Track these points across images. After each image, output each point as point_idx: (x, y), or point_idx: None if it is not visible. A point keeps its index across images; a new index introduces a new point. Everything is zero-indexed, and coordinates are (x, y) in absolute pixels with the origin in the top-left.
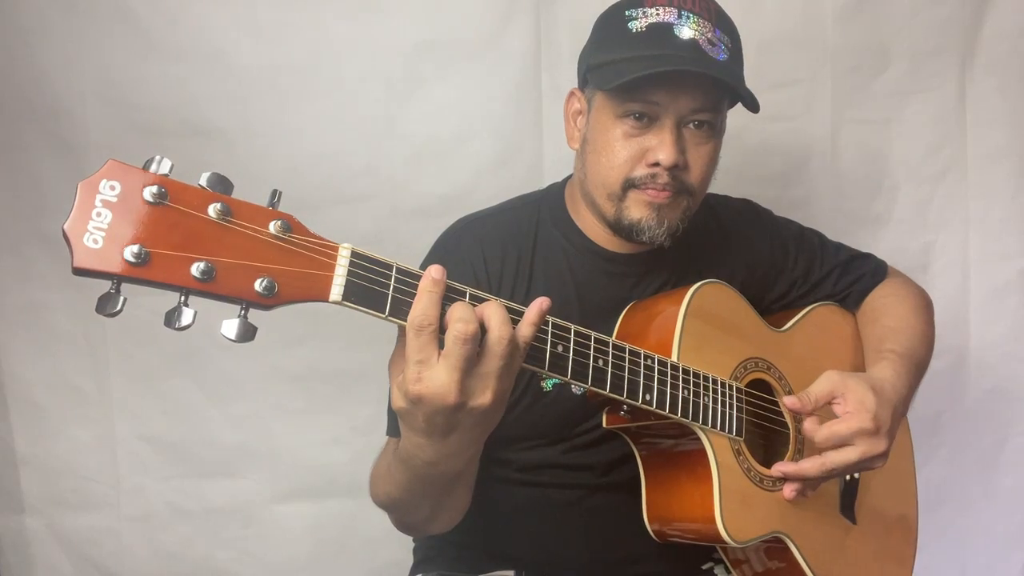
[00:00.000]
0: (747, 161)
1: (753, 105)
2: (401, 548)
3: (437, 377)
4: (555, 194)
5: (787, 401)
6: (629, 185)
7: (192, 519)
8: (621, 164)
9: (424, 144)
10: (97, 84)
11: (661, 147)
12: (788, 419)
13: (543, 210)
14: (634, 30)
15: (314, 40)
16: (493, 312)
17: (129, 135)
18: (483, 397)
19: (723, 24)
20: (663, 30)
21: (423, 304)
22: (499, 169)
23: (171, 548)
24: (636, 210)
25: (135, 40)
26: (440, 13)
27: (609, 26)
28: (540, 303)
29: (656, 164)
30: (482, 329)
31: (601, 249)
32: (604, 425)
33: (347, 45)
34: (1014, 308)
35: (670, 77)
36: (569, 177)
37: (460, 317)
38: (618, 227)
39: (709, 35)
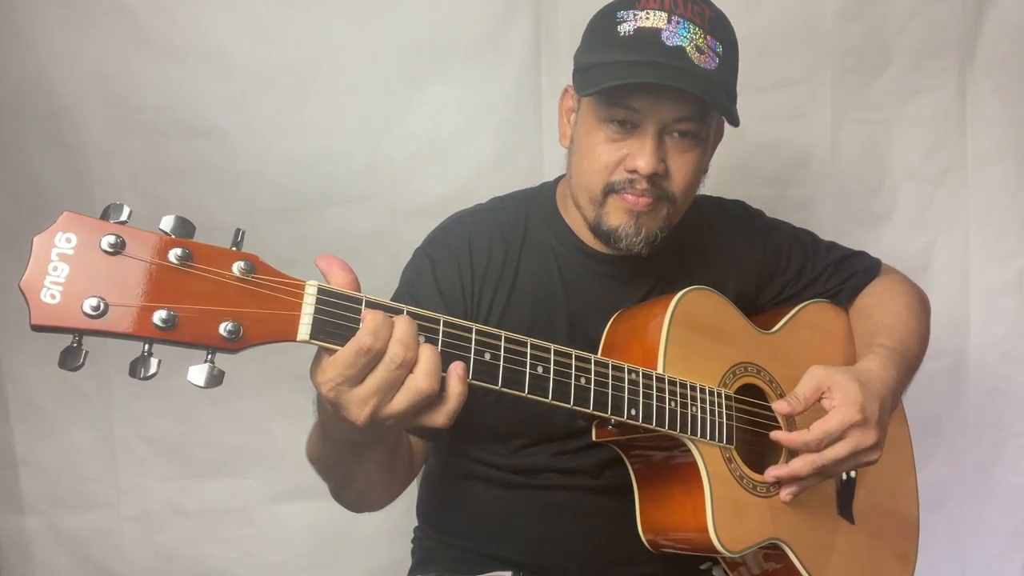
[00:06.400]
0: (747, 161)
1: (733, 120)
2: (400, 548)
3: (355, 398)
4: (547, 192)
5: (777, 407)
6: (609, 190)
7: (192, 519)
8: (602, 169)
9: (424, 144)
10: (97, 84)
11: (640, 154)
12: (781, 422)
13: (534, 208)
14: (622, 33)
15: (314, 40)
16: (402, 329)
17: (129, 135)
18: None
19: (716, 30)
20: (650, 36)
21: (383, 333)
22: (499, 169)
23: (171, 548)
24: (615, 216)
25: (135, 40)
26: (440, 13)
27: (599, 27)
28: (454, 368)
29: (635, 171)
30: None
31: (590, 249)
32: (594, 439)
33: (347, 45)
34: (1014, 308)
35: (650, 85)
36: (562, 176)
37: (399, 339)
38: (598, 232)
39: (699, 42)
